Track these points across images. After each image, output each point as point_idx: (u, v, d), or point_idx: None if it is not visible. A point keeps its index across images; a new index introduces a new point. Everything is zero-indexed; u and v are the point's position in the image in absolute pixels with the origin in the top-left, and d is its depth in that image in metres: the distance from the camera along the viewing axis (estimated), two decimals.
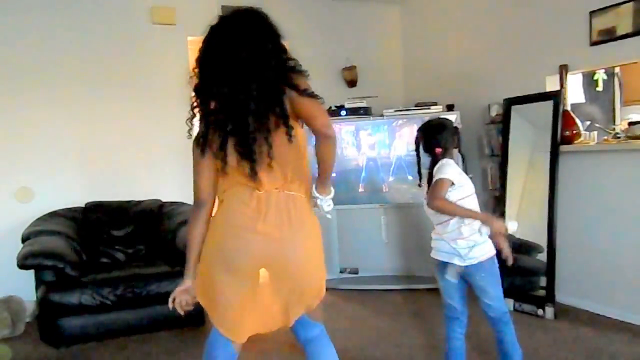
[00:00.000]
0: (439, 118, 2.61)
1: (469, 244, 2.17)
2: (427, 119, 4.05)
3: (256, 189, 1.62)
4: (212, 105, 1.62)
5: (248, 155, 1.57)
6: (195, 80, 1.65)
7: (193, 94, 1.67)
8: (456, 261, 2.18)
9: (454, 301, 2.29)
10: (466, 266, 2.18)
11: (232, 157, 1.61)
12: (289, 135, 1.57)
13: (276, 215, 1.61)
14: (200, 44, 1.65)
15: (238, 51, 1.56)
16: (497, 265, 2.24)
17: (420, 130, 2.39)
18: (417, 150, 2.39)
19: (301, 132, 1.66)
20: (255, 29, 1.60)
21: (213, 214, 1.74)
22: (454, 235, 2.19)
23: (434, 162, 2.27)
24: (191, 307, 1.76)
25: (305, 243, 1.67)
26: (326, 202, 1.74)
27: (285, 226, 1.62)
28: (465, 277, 2.24)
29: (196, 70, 1.65)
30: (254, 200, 1.61)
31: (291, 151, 1.63)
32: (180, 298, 1.75)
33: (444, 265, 2.25)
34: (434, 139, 2.28)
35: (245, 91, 1.54)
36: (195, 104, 1.66)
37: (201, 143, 1.65)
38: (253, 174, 1.58)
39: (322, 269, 1.77)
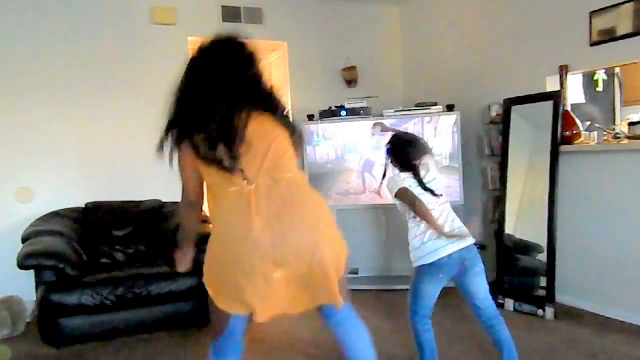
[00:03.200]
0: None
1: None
2: (427, 119, 4.14)
3: (243, 186, 1.63)
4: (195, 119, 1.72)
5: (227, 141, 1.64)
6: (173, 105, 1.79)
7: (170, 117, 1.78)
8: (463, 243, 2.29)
9: (432, 301, 2.37)
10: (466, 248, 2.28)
11: (222, 154, 1.65)
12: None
13: (270, 206, 1.60)
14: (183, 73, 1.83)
15: (227, 77, 1.71)
16: None
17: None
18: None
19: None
20: (238, 57, 1.75)
21: (211, 226, 1.78)
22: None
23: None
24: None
25: (310, 226, 1.63)
26: None
27: (285, 215, 1.60)
28: (464, 263, 2.28)
29: (177, 96, 1.82)
30: (243, 199, 1.62)
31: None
32: (182, 262, 1.95)
33: (444, 266, 2.27)
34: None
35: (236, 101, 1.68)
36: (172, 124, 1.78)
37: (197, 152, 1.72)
38: (233, 162, 1.63)
39: (339, 246, 1.72)
